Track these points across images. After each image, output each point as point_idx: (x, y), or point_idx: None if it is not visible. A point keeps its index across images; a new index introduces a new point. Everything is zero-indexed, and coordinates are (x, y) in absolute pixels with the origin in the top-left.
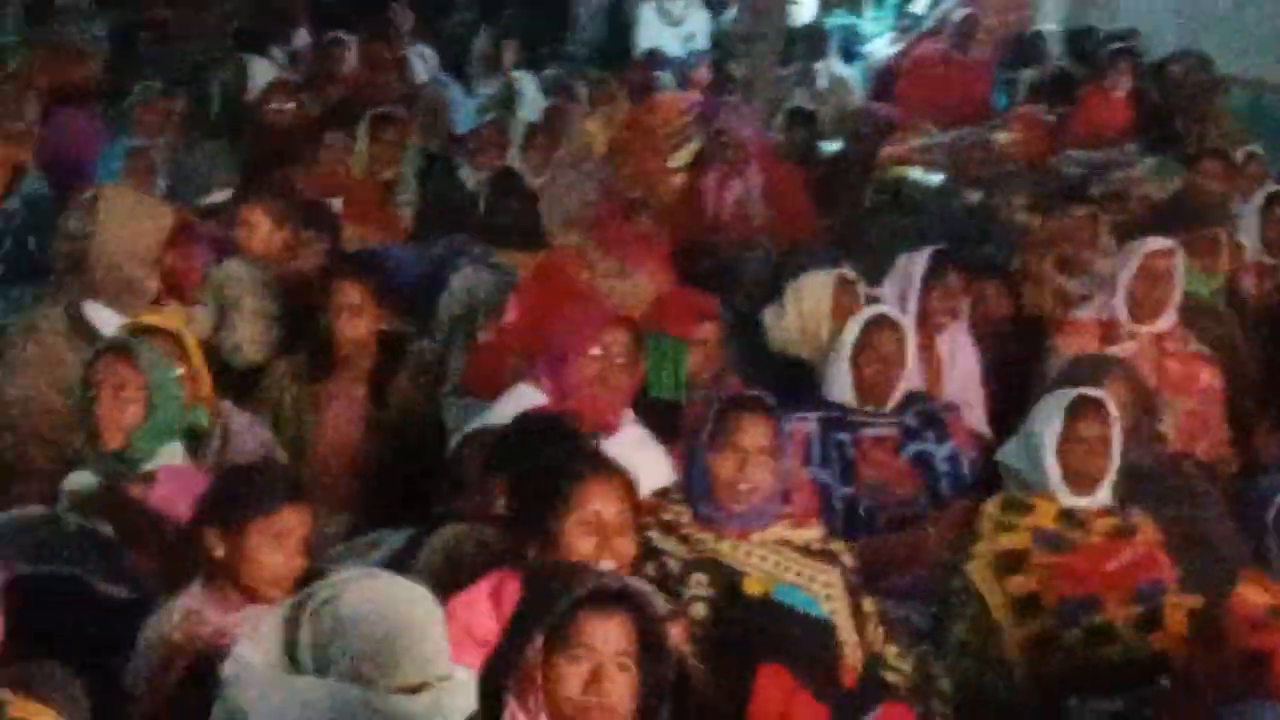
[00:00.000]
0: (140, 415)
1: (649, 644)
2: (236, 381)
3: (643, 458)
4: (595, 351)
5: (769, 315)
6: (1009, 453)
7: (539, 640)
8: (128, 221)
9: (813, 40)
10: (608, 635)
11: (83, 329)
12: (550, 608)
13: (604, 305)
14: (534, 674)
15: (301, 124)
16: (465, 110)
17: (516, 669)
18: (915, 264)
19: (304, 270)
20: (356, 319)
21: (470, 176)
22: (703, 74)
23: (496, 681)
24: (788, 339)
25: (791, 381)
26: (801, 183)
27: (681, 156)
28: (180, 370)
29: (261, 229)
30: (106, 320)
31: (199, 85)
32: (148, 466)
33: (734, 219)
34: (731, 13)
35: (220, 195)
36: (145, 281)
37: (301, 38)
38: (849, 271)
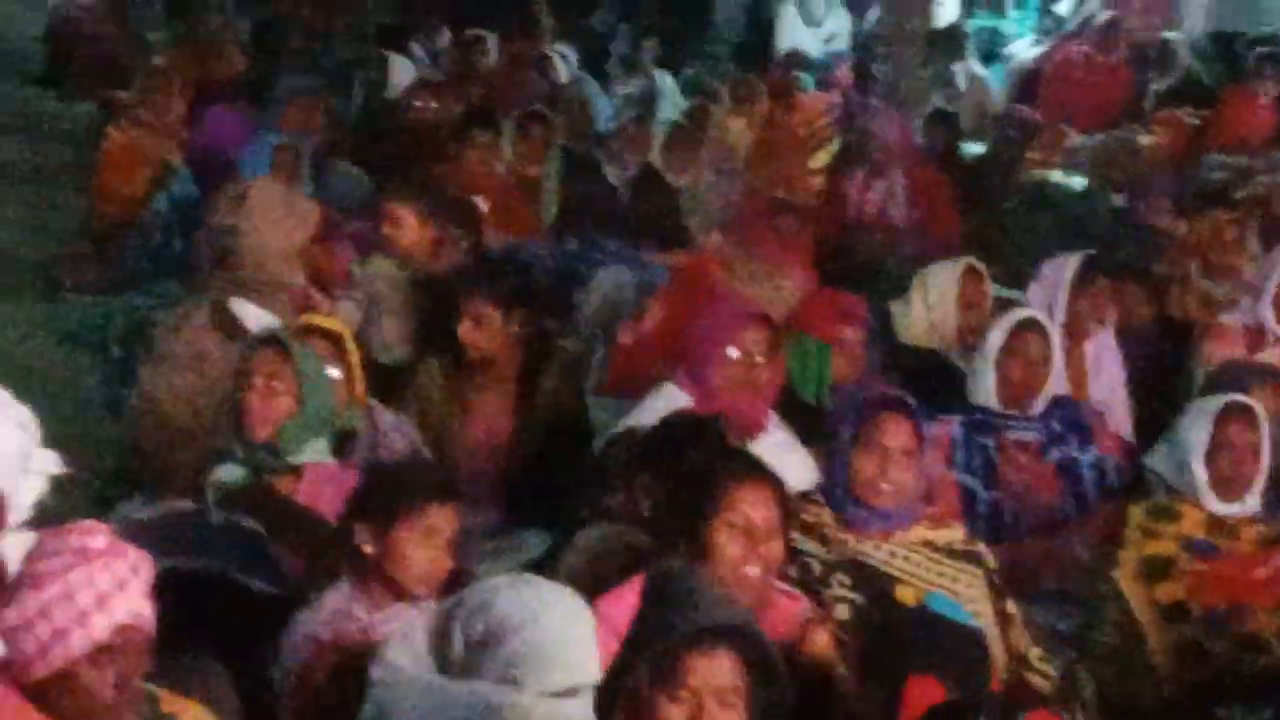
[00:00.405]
0: (291, 409)
1: (761, 675)
2: (383, 378)
3: (788, 460)
4: (735, 353)
5: (897, 307)
6: (1156, 459)
7: (645, 673)
8: (275, 217)
9: (951, 41)
10: (712, 673)
11: (229, 324)
12: (657, 641)
13: (743, 305)
14: (640, 706)
15: (444, 122)
16: (605, 109)
17: (624, 696)
18: (1063, 269)
19: (448, 268)
20: (484, 330)
21: (612, 175)
22: (843, 75)
23: (609, 702)
24: (916, 330)
25: (930, 378)
26: (943, 185)
27: (821, 157)
28: (337, 371)
29: (408, 225)
30: (253, 315)
31: (342, 82)
32: (295, 461)
33: (876, 220)
34: (873, 14)
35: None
36: (291, 277)
37: (443, 35)
38: (976, 261)
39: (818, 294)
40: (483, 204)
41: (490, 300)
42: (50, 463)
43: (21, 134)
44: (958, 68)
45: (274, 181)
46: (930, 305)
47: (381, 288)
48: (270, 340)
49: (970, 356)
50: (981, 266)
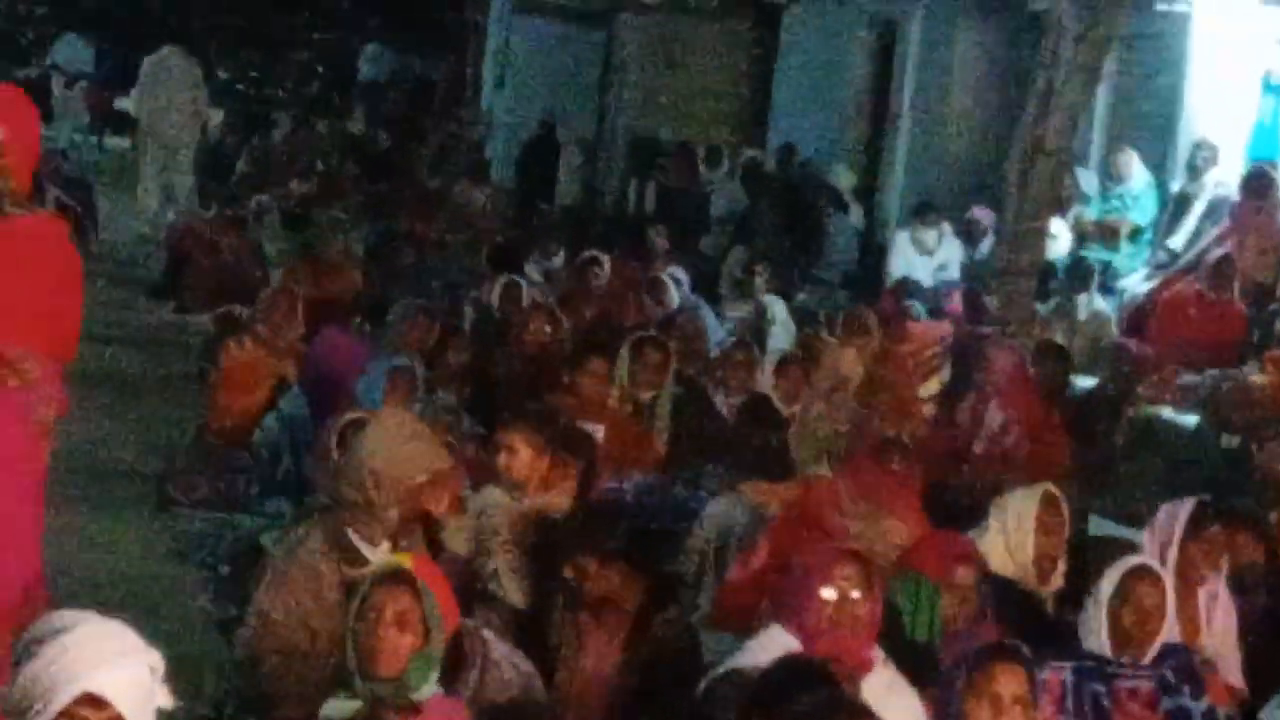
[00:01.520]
0: (417, 645)
1: None
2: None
3: (896, 702)
4: (830, 593)
5: (974, 534)
6: (1274, 714)
7: None
8: (401, 454)
9: (1077, 275)
10: None
11: (347, 552)
12: None
13: (837, 543)
14: None
15: (558, 345)
16: (717, 333)
17: None
18: (1177, 514)
19: (561, 504)
20: (590, 579)
21: (722, 402)
22: (955, 304)
23: None
24: (993, 556)
25: (1011, 608)
26: (1055, 418)
27: (932, 385)
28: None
29: (525, 458)
30: (370, 544)
31: (456, 302)
32: (417, 698)
33: (987, 454)
34: (985, 244)
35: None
36: (410, 511)
37: (558, 256)
38: (1054, 488)
39: (930, 535)
40: (596, 430)
41: (596, 554)
42: (165, 697)
43: (136, 345)
44: (1080, 300)
45: (402, 412)
46: (1008, 531)
47: (494, 520)
48: (398, 577)
49: (1048, 584)
50: (1059, 493)
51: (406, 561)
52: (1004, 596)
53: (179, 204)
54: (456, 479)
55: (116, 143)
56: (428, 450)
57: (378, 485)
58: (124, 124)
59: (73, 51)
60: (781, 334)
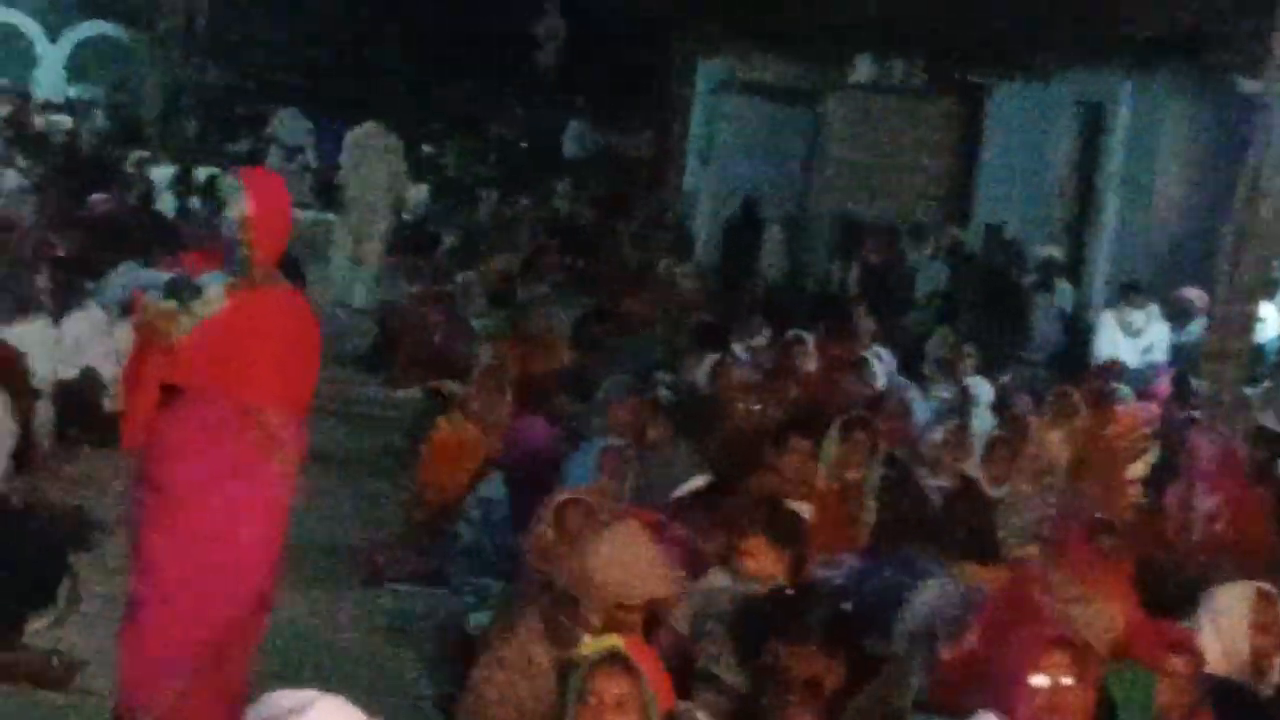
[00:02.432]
0: None
1: None
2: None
3: None
4: (1041, 680)
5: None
6: None
7: None
8: (633, 573)
9: None
10: None
11: (559, 634)
12: None
13: (1047, 628)
14: None
15: (765, 423)
16: (922, 414)
17: None
18: None
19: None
20: (799, 664)
21: (928, 483)
22: (1163, 387)
23: None
24: (1207, 653)
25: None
26: (1265, 505)
27: (1138, 468)
28: None
29: (762, 561)
30: (584, 629)
31: (662, 381)
32: None
33: (1196, 540)
34: (1193, 325)
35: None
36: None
37: (762, 334)
38: (1267, 585)
39: (1144, 622)
40: (804, 509)
41: (804, 636)
42: None
43: (345, 419)
44: None
45: (639, 528)
46: (1220, 627)
47: (718, 603)
48: (616, 660)
49: (1264, 681)
50: (1273, 591)
51: (621, 644)
52: (1220, 691)
53: (366, 278)
54: (675, 601)
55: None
56: (654, 575)
57: (597, 593)
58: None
59: (292, 125)
60: (987, 415)
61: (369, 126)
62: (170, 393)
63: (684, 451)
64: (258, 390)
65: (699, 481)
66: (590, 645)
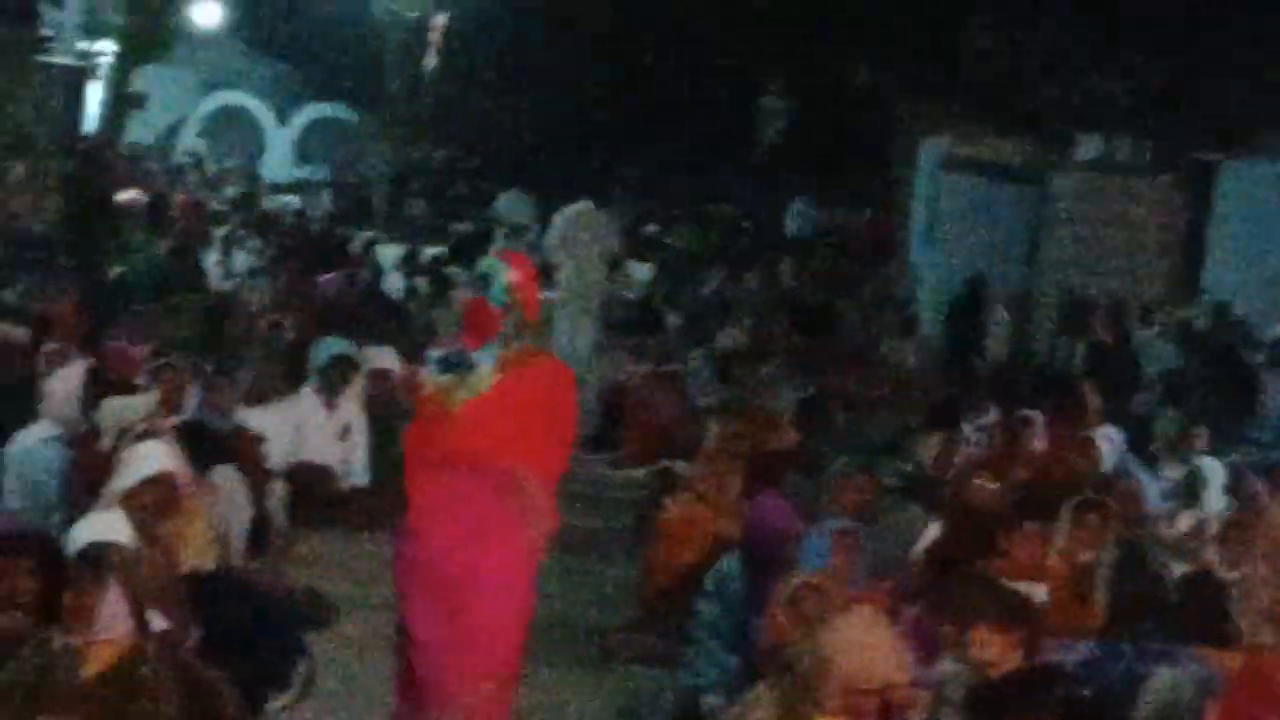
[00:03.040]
0: None
1: None
2: None
3: None
4: None
5: None
6: None
7: None
8: (860, 657)
9: None
10: None
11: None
12: None
13: None
14: None
15: (995, 503)
16: (1153, 495)
17: None
18: None
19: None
20: None
21: (1162, 566)
22: None
23: None
24: None
25: None
26: None
27: None
28: None
29: (995, 649)
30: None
31: (891, 460)
32: None
33: None
34: None
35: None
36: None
37: (990, 413)
38: None
39: None
40: (1038, 593)
41: None
42: None
43: (571, 498)
44: None
45: (876, 614)
46: None
47: (951, 691)
48: None
49: None
50: None
51: None
52: None
53: (582, 355)
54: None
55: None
56: (891, 660)
57: (834, 678)
58: None
59: (516, 205)
60: (1218, 497)
61: (580, 205)
62: (441, 458)
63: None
64: (523, 458)
65: (934, 532)
66: None
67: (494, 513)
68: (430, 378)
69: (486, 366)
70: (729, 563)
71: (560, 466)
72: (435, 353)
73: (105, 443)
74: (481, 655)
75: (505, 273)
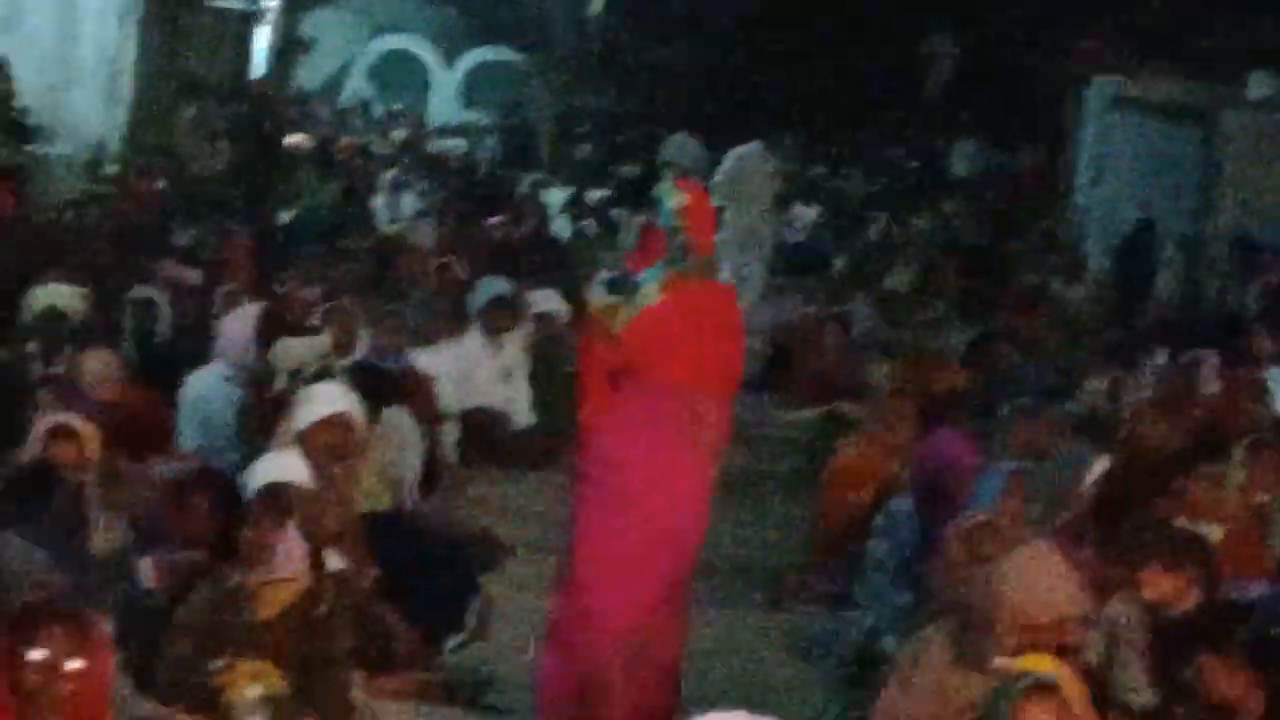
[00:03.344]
0: None
1: None
2: None
3: None
4: None
5: None
6: None
7: None
8: (1041, 587)
9: None
10: None
11: (975, 662)
12: None
13: None
14: None
15: (1167, 444)
16: None
17: None
18: None
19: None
20: (1212, 686)
21: None
22: None
23: None
24: None
25: None
26: None
27: None
28: None
29: (1164, 585)
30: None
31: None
32: None
33: None
34: None
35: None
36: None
37: (1160, 355)
38: None
39: None
40: (1212, 531)
41: (1219, 658)
42: None
43: (740, 441)
44: None
45: (1050, 549)
46: None
47: (1129, 632)
48: (1048, 690)
49: None
50: None
51: (1059, 672)
52: None
53: (748, 296)
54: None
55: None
56: (1066, 595)
57: (1010, 613)
58: None
59: (684, 149)
60: None
61: (746, 147)
62: (613, 378)
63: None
64: (689, 374)
65: (1100, 468)
66: (1021, 664)
67: (665, 428)
68: (596, 299)
69: (651, 286)
70: (901, 502)
71: (731, 383)
72: (602, 275)
73: (279, 383)
74: (656, 574)
75: (675, 196)
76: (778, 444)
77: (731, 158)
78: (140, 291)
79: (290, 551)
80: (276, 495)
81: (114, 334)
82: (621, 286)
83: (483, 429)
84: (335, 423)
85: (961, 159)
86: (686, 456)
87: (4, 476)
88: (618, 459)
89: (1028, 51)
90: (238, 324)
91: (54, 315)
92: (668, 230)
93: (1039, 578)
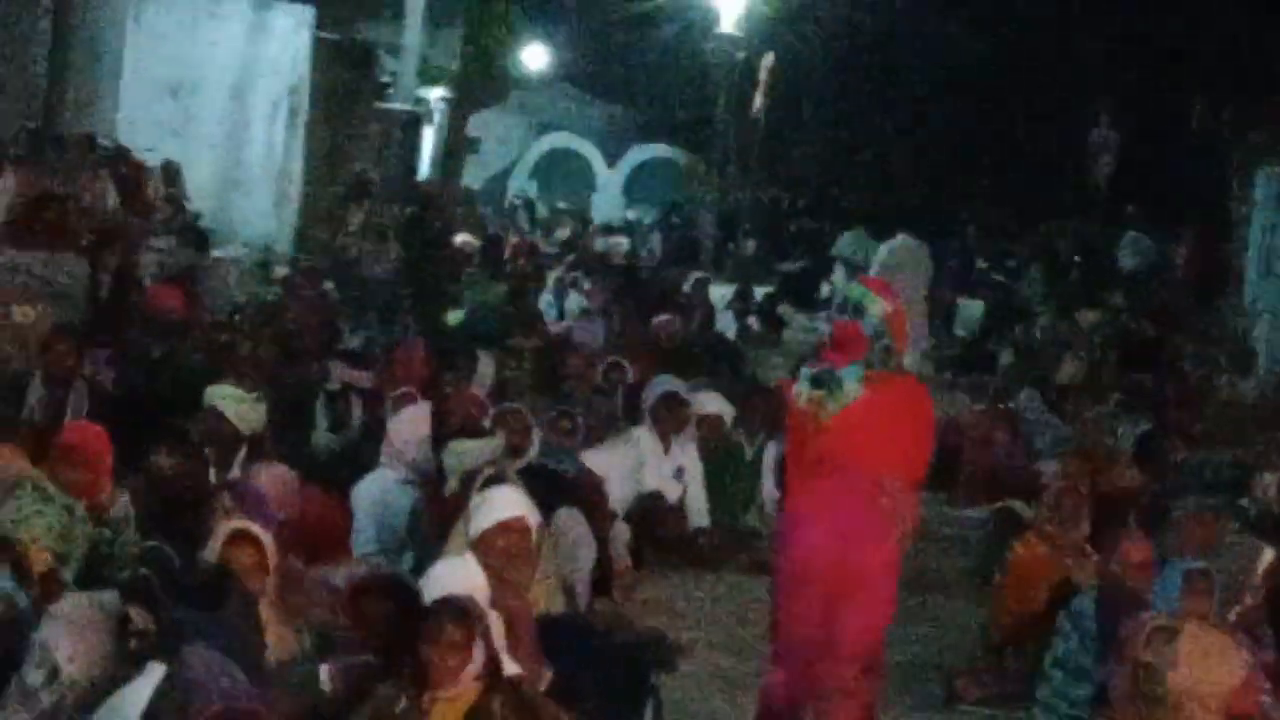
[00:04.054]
0: None
1: None
2: None
3: None
4: None
5: None
6: None
7: None
8: (1205, 666)
9: None
10: None
11: None
12: None
13: None
14: None
15: None
16: None
17: None
18: None
19: None
20: None
21: None
22: None
23: None
24: None
25: None
26: None
27: None
28: None
29: None
30: None
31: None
32: None
33: None
34: None
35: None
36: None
37: None
38: None
39: None
40: None
41: None
42: None
43: (917, 540)
44: None
45: (1206, 628)
46: None
47: None
48: None
49: None
50: None
51: None
52: None
53: None
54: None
55: None
56: (1229, 670)
57: (1185, 698)
58: None
59: (856, 244)
60: None
61: (900, 239)
62: (816, 465)
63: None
64: (888, 464)
65: (1268, 560)
66: None
67: (863, 514)
68: (802, 392)
69: (853, 383)
70: (1083, 600)
71: (920, 472)
72: (806, 370)
73: (451, 485)
74: (849, 653)
75: (879, 304)
76: (948, 542)
77: (885, 250)
78: (334, 384)
79: (470, 668)
80: (460, 615)
81: (287, 437)
82: (826, 381)
83: (654, 526)
84: (513, 527)
85: (1128, 251)
86: (879, 541)
87: (185, 582)
88: (812, 540)
89: (1194, 143)
90: (408, 425)
91: (229, 420)
92: (873, 335)
93: (1206, 657)
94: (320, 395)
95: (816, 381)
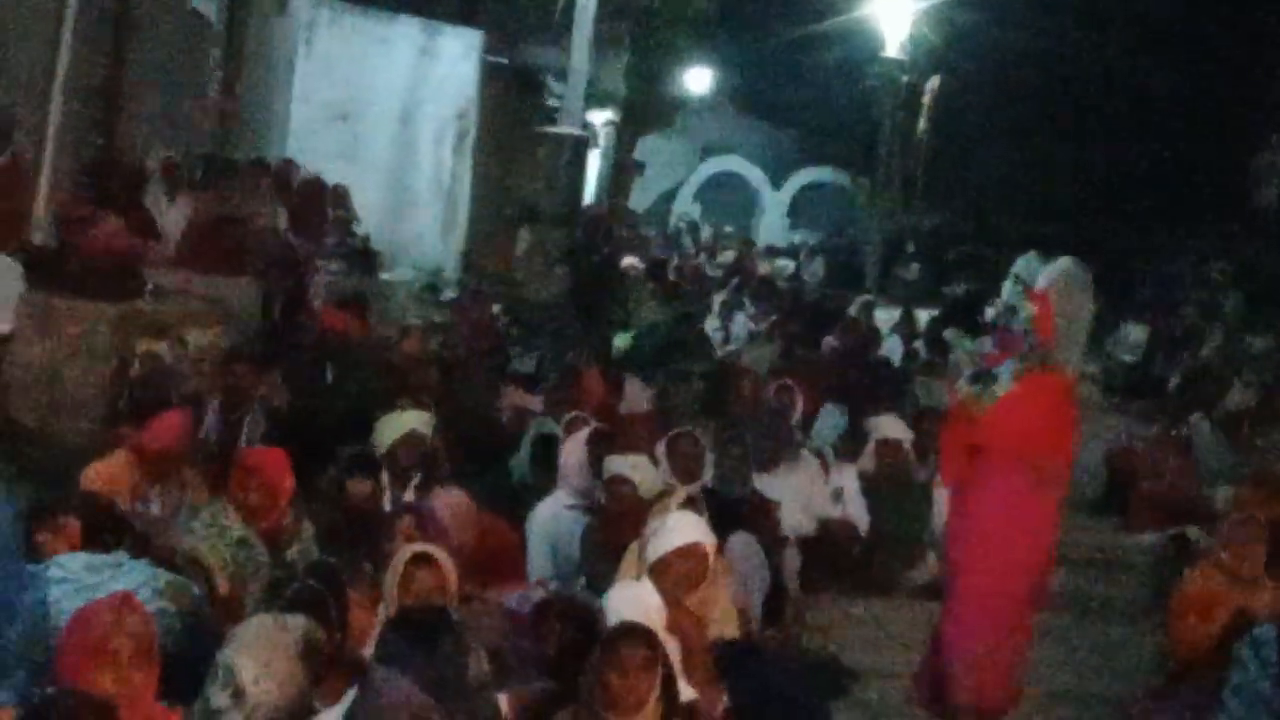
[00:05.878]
0: None
1: None
2: None
3: None
4: None
5: None
6: None
7: None
8: None
9: None
10: None
11: None
12: None
13: None
14: None
15: None
16: None
17: None
18: None
19: None
20: None
21: None
22: None
23: None
24: None
25: None
26: None
27: None
28: None
29: None
30: None
31: None
32: None
33: None
34: None
35: None
36: None
37: None
38: None
39: None
40: None
41: None
42: None
43: (1079, 564)
44: None
45: None
46: None
47: None
48: None
49: None
50: None
51: None
52: None
53: None
54: None
55: None
56: None
57: None
58: None
59: (1030, 266)
60: None
61: (1063, 262)
62: (974, 451)
63: None
64: (1036, 448)
65: None
66: None
67: (1018, 487)
68: (963, 388)
69: (1005, 377)
70: (1264, 630)
71: (1068, 455)
72: (967, 370)
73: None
74: (1009, 584)
75: (1027, 308)
76: (1120, 569)
77: (1044, 275)
78: (545, 426)
79: (650, 694)
80: (642, 640)
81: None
82: (983, 379)
83: (825, 550)
84: (690, 553)
85: None
86: (1036, 504)
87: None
88: (976, 510)
89: None
90: (574, 449)
91: (405, 443)
92: (1022, 333)
93: None
94: (530, 428)
95: (974, 378)
